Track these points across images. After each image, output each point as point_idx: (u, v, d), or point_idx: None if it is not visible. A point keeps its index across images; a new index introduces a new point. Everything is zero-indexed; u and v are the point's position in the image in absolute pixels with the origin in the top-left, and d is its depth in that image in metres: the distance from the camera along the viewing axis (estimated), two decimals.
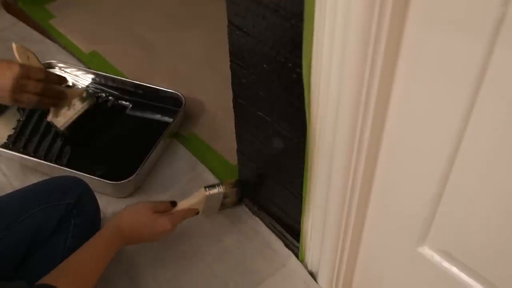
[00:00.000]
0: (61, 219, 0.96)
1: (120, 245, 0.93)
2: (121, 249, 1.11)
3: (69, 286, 0.77)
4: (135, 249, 1.12)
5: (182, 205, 1.03)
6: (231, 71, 0.93)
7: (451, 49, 0.54)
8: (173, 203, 1.02)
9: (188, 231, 1.16)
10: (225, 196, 1.08)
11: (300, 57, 0.72)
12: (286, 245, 1.12)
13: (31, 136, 1.34)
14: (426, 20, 0.54)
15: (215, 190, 1.04)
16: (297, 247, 1.08)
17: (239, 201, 1.18)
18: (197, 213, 1.06)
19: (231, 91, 0.97)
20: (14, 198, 0.96)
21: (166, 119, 1.40)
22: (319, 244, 0.97)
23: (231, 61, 0.90)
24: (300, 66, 0.73)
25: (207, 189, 1.04)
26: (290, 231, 1.10)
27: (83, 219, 0.98)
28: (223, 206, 1.12)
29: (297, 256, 1.09)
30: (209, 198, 1.05)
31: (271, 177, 1.05)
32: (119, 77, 1.46)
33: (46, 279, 0.77)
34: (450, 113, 0.58)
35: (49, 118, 1.22)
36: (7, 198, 0.96)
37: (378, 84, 0.63)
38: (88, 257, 0.86)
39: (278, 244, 1.12)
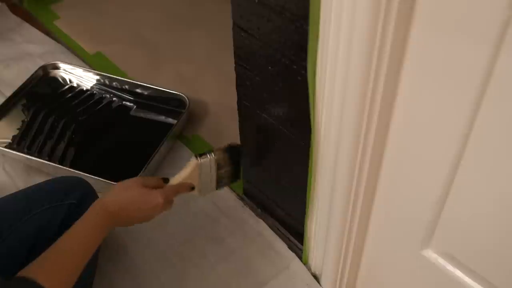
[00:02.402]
0: (64, 220, 0.96)
1: (109, 226, 0.85)
2: (123, 248, 1.12)
3: (50, 277, 0.72)
4: (138, 248, 1.13)
5: (175, 180, 0.96)
6: (235, 73, 0.93)
7: (456, 53, 0.54)
8: (165, 180, 0.95)
9: (192, 232, 1.16)
10: (219, 166, 1.00)
11: (305, 59, 0.72)
12: (290, 247, 1.12)
13: (35, 137, 1.34)
14: (432, 24, 0.54)
15: (206, 157, 0.97)
16: (301, 250, 1.08)
17: (236, 175, 1.07)
18: (193, 188, 0.98)
19: (235, 93, 0.97)
20: (18, 199, 0.96)
21: (170, 120, 1.41)
22: (323, 247, 0.97)
23: (236, 63, 0.90)
24: (305, 68, 0.73)
25: (198, 157, 0.96)
26: (294, 233, 1.10)
27: None
28: (220, 182, 1.04)
29: (300, 258, 1.09)
30: (201, 167, 0.97)
31: (275, 179, 1.05)
32: (124, 78, 1.46)
33: (24, 271, 0.72)
34: (455, 117, 0.58)
35: None
36: (10, 198, 0.96)
37: (383, 87, 0.63)
38: (71, 244, 0.80)
39: (282, 246, 1.12)
